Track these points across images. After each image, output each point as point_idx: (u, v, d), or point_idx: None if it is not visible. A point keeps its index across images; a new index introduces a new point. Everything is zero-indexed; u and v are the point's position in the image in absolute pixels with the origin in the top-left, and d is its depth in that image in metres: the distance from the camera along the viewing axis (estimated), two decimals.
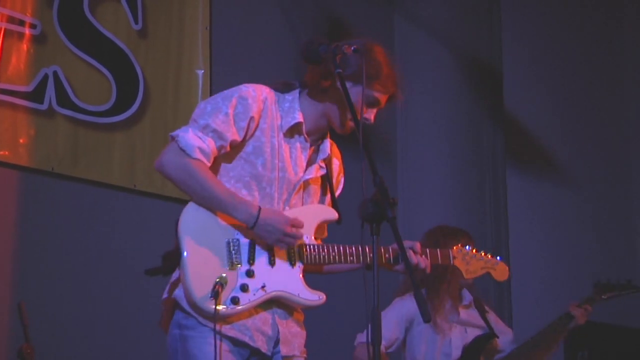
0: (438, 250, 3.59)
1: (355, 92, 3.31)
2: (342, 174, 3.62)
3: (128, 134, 5.47)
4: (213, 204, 3.27)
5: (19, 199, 5.09)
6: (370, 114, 3.40)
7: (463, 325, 4.99)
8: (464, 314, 5.00)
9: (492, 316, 5.14)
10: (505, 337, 5.10)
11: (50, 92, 5.21)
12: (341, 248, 3.40)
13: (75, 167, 5.26)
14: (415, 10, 7.08)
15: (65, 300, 5.11)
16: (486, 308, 5.13)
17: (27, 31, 5.17)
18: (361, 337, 4.90)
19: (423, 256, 3.47)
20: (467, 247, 3.68)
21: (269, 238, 3.26)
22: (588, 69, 7.73)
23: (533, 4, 7.65)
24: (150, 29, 5.66)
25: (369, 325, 2.93)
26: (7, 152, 5.03)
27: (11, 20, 5.10)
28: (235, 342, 3.26)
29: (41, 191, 5.16)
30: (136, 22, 5.60)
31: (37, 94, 5.17)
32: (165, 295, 3.35)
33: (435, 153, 6.83)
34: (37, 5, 5.22)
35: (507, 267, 3.76)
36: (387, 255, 3.43)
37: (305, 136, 3.43)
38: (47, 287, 5.06)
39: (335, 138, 3.65)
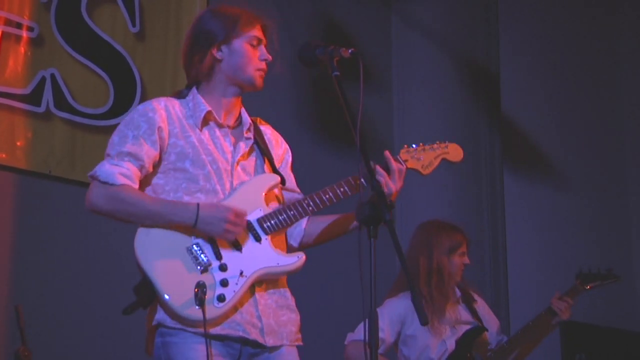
0: (389, 160, 3.54)
1: (233, 50, 3.42)
2: (282, 145, 3.62)
3: None
4: (153, 219, 3.27)
5: (16, 201, 5.09)
6: (263, 54, 3.45)
7: (452, 324, 4.97)
8: (451, 312, 4.99)
9: (480, 305, 5.12)
10: (492, 329, 5.09)
11: (47, 94, 5.21)
12: (297, 204, 3.40)
13: (72, 169, 5.26)
14: (413, 13, 7.09)
15: (62, 303, 5.11)
16: (474, 297, 5.12)
17: (24, 34, 5.17)
18: (352, 336, 4.89)
19: (394, 161, 3.49)
20: (413, 145, 3.65)
21: (214, 231, 3.25)
22: (585, 72, 7.74)
23: (530, 8, 7.66)
24: (148, 31, 5.66)
25: (365, 327, 2.92)
26: (4, 155, 5.03)
27: (8, 23, 5.10)
28: (224, 341, 3.25)
29: (38, 194, 5.16)
30: (134, 25, 5.60)
31: (34, 97, 5.17)
32: (148, 327, 3.34)
33: None
34: (35, 8, 5.22)
35: (459, 145, 3.70)
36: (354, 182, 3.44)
37: (220, 122, 3.45)
38: (44, 290, 5.05)
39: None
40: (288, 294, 3.44)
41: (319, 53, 3.33)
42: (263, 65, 3.45)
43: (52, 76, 5.24)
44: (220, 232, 3.25)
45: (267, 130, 3.61)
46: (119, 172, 3.28)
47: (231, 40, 3.44)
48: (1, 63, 5.06)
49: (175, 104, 3.45)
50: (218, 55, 3.46)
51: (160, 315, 3.27)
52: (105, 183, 3.28)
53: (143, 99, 5.56)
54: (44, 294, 5.05)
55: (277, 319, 3.36)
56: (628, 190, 7.72)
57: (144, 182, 3.37)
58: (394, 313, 4.90)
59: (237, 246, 3.31)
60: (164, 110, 3.40)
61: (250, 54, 3.44)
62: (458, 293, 5.05)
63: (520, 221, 7.31)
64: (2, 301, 4.89)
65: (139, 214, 3.27)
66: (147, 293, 3.24)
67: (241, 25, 3.44)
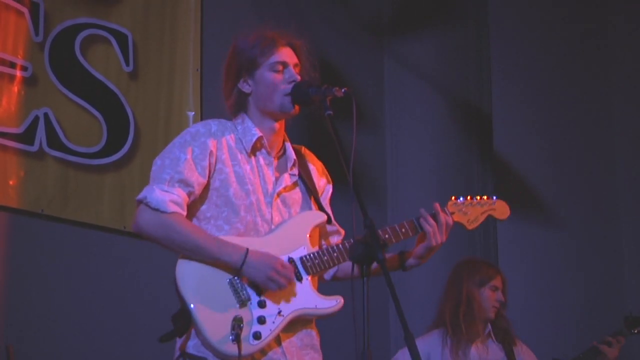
0: (438, 213, 3.51)
1: (257, 81, 3.39)
2: (324, 177, 3.60)
3: (118, 175, 5.47)
4: (199, 254, 3.26)
5: (8, 240, 5.07)
6: (291, 76, 3.40)
7: None
8: (475, 348, 4.97)
9: (521, 348, 5.09)
10: None
11: (40, 133, 5.21)
12: (341, 246, 3.39)
13: (65, 208, 5.24)
14: (405, 53, 7.12)
15: (54, 343, 5.07)
16: (516, 341, 5.08)
17: (18, 73, 5.18)
18: None
19: (442, 213, 3.46)
20: (461, 198, 3.63)
21: (259, 277, 3.24)
22: (577, 112, 7.78)
23: (522, 46, 7.71)
24: (141, 70, 5.67)
25: None
26: None
27: (2, 62, 5.11)
28: None
29: (31, 233, 5.14)
30: (127, 64, 5.62)
31: (27, 136, 5.16)
32: (177, 354, 3.32)
33: (425, 194, 6.83)
34: (29, 48, 5.24)
35: (506, 203, 3.71)
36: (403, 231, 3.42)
37: (267, 149, 3.44)
38: (35, 330, 5.02)
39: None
40: (314, 333, 3.42)
41: (312, 92, 3.34)
42: (290, 88, 3.40)
43: (46, 115, 5.24)
44: (264, 280, 3.24)
45: (312, 166, 3.58)
46: (170, 199, 3.26)
47: (254, 72, 3.41)
48: None
49: (226, 127, 3.42)
50: (245, 89, 3.44)
51: (190, 342, 3.26)
52: (156, 210, 3.26)
53: (136, 138, 5.56)
54: (35, 333, 5.02)
55: (300, 358, 3.34)
56: (621, 229, 7.73)
57: (190, 206, 3.35)
58: (420, 350, 4.90)
59: None
60: (214, 135, 3.38)
61: (275, 81, 3.40)
62: (488, 328, 5.02)
63: (513, 260, 7.30)
64: None
65: (186, 246, 3.26)
66: (184, 322, 3.23)
67: (260, 54, 3.41)
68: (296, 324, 3.34)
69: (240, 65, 3.44)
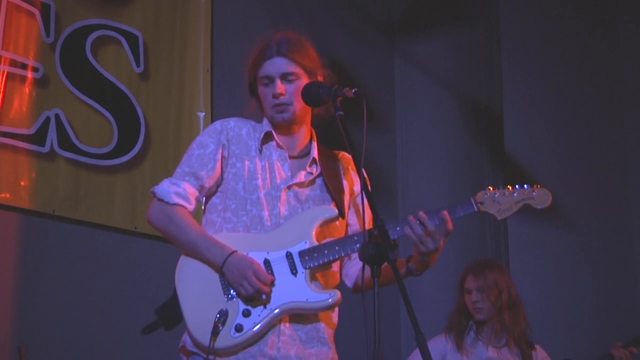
0: (457, 204, 3.47)
1: (258, 96, 3.47)
2: (352, 173, 3.55)
3: (129, 176, 5.48)
4: (188, 248, 3.34)
5: (20, 241, 5.09)
6: (273, 90, 3.42)
7: None
8: (494, 352, 4.98)
9: (540, 353, 5.09)
10: None
11: (51, 134, 5.22)
12: (343, 239, 3.36)
13: (76, 209, 5.26)
14: (416, 53, 7.12)
15: (65, 344, 5.09)
16: (535, 346, 5.08)
17: (29, 74, 5.19)
18: None
19: (440, 214, 3.40)
20: (500, 187, 3.44)
21: (233, 280, 3.26)
22: (588, 110, 7.76)
23: (533, 46, 7.70)
24: (152, 71, 5.68)
25: None
26: (8, 195, 5.03)
27: (14, 63, 5.12)
28: None
29: (42, 234, 5.15)
30: (138, 65, 5.63)
31: (38, 137, 5.18)
32: (180, 345, 3.39)
33: (435, 195, 6.83)
34: (40, 49, 5.25)
35: (549, 191, 3.43)
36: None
37: (279, 143, 3.46)
38: (47, 330, 5.04)
39: None
40: (322, 326, 3.38)
41: (322, 93, 3.34)
42: (275, 101, 3.43)
43: (57, 116, 5.26)
44: (236, 285, 3.26)
45: (341, 164, 3.55)
46: (174, 191, 3.37)
47: (255, 87, 3.50)
48: (6, 103, 5.08)
49: (245, 125, 3.50)
50: (258, 99, 3.52)
51: (184, 337, 3.34)
52: (160, 200, 3.37)
53: (147, 139, 5.57)
54: (47, 334, 5.03)
55: (303, 351, 3.32)
56: (632, 230, 7.71)
57: (207, 200, 3.46)
58: (435, 352, 4.94)
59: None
60: (231, 130, 3.46)
61: (263, 94, 3.46)
62: (504, 339, 5.02)
63: (524, 261, 7.29)
64: (6, 341, 4.87)
65: (179, 238, 3.35)
66: (169, 315, 3.29)
67: (253, 69, 3.49)
68: (301, 318, 3.34)
69: (248, 79, 3.53)
